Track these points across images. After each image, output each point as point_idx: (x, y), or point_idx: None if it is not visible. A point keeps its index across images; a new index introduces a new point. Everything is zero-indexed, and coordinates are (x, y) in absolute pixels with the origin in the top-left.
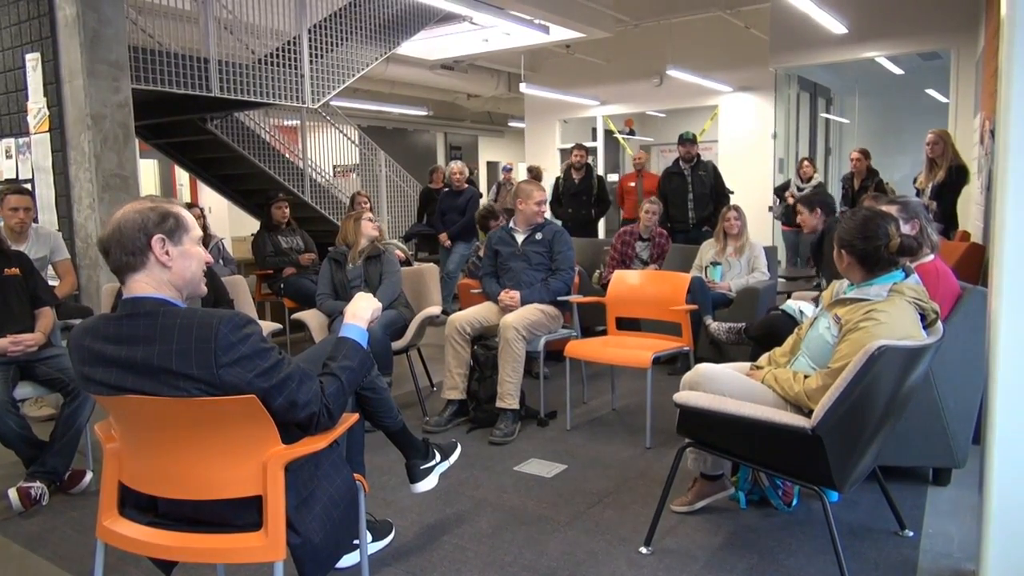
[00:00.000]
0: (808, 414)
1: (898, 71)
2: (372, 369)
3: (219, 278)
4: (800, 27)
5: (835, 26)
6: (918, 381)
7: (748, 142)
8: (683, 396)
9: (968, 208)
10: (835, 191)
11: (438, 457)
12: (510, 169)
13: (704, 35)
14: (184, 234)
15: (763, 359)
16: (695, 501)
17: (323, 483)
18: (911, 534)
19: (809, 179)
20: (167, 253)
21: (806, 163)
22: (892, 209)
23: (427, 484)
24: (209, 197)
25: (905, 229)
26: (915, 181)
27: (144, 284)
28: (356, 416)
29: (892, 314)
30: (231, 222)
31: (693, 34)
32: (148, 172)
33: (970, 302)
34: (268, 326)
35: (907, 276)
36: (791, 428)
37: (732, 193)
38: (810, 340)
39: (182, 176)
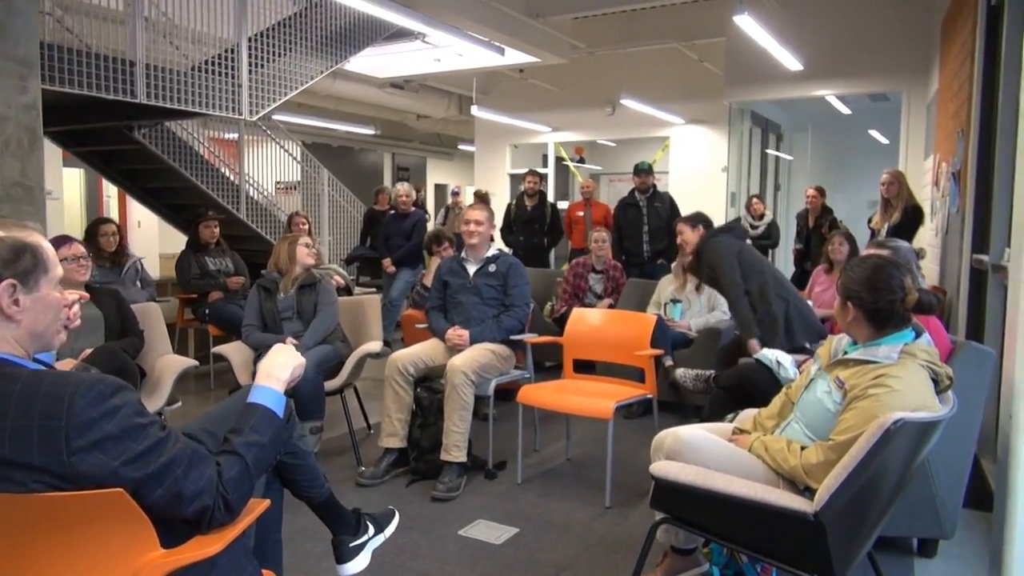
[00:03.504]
0: (804, 490)
1: (846, 111)
2: (288, 443)
3: (128, 305)
4: (756, 62)
5: (791, 63)
6: (927, 455)
7: (699, 174)
8: (662, 468)
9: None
10: (787, 228)
11: (371, 530)
12: (458, 193)
13: (659, 66)
14: (42, 276)
15: (747, 421)
16: None
17: None
18: None
19: (760, 216)
20: (16, 303)
21: (755, 201)
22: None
23: (357, 565)
24: (139, 211)
25: None
26: (870, 221)
27: None
28: (265, 504)
29: (905, 380)
30: (161, 238)
31: (648, 64)
32: (73, 182)
33: (963, 358)
34: (184, 362)
35: (918, 336)
36: (790, 512)
37: None
38: (806, 405)
39: (110, 188)
